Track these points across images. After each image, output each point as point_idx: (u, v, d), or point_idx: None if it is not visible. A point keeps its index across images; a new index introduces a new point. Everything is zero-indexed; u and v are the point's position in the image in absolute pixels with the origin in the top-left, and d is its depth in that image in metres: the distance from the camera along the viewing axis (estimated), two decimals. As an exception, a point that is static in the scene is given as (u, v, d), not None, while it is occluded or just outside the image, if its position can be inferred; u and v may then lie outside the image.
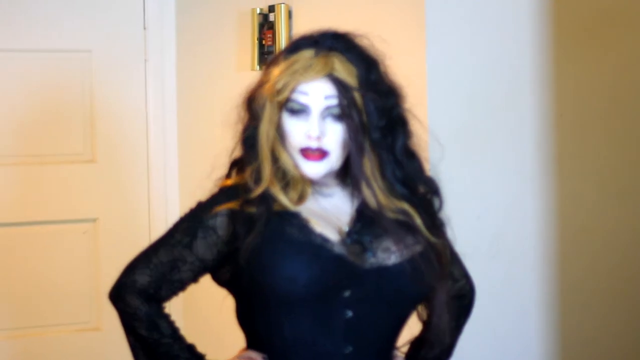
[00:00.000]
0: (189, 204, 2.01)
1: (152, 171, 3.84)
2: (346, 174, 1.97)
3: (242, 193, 1.92)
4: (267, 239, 1.88)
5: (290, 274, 1.85)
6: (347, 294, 1.89)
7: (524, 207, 3.01)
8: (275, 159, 1.92)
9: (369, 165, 1.91)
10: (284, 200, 1.91)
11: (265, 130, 1.92)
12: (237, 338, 2.07)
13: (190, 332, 2.09)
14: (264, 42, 3.42)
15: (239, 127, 1.99)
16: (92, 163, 3.78)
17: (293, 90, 1.89)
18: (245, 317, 1.95)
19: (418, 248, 1.93)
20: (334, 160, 1.91)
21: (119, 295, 1.94)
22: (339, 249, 1.90)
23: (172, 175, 3.85)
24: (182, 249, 1.93)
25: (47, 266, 3.74)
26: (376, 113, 1.90)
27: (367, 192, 1.92)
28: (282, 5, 3.34)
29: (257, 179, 1.92)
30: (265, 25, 3.41)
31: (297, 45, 1.94)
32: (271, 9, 3.39)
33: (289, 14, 3.34)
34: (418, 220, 1.94)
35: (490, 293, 2.84)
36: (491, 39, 2.92)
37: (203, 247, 1.92)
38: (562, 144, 3.04)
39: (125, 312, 1.93)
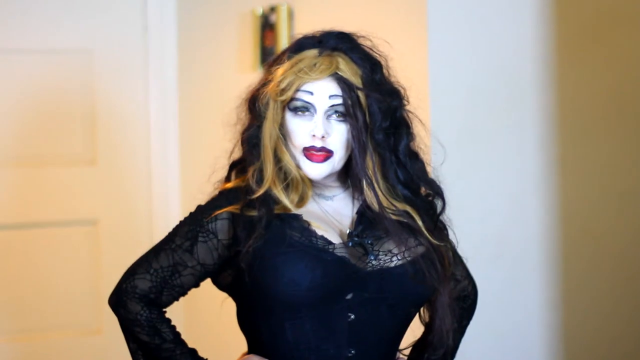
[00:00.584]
0: (190, 205, 2.00)
1: (153, 172, 3.83)
2: (347, 177, 1.97)
3: (243, 196, 1.92)
4: (268, 242, 1.88)
5: (293, 278, 1.85)
6: (349, 296, 1.89)
7: (527, 208, 3.00)
8: (277, 160, 1.92)
9: (371, 165, 1.91)
10: (286, 201, 1.90)
11: (268, 130, 1.92)
12: (238, 342, 2.06)
13: (191, 336, 2.09)
14: (265, 43, 3.41)
15: (239, 128, 1.98)
16: (93, 165, 3.77)
17: (298, 90, 1.89)
18: (247, 321, 1.95)
19: (420, 250, 1.93)
20: (337, 160, 1.91)
21: (119, 301, 1.93)
22: (340, 252, 1.89)
23: (173, 176, 3.84)
24: (183, 253, 1.92)
25: (48, 268, 3.74)
26: (380, 114, 1.90)
27: (368, 193, 1.91)
28: (284, 6, 3.33)
29: (259, 179, 1.91)
30: (267, 26, 3.40)
31: (300, 44, 1.93)
32: (272, 9, 3.38)
33: (290, 15, 3.34)
34: (419, 222, 1.94)
35: (493, 294, 2.83)
36: (493, 41, 2.92)
37: (204, 251, 1.92)
38: (564, 146, 3.03)
39: (126, 318, 1.92)
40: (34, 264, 3.73)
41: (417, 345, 2.07)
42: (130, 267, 1.95)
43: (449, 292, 1.96)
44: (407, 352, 2.06)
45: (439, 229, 1.98)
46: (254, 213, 1.89)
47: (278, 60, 1.94)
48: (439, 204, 2.00)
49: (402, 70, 2.01)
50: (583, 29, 3.06)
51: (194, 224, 1.92)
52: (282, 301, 1.86)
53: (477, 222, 2.90)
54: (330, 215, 1.95)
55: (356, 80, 1.89)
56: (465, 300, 2.10)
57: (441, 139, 2.31)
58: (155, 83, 3.83)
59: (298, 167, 1.91)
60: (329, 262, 1.87)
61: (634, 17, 3.10)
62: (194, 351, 1.94)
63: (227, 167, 2.01)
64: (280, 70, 1.91)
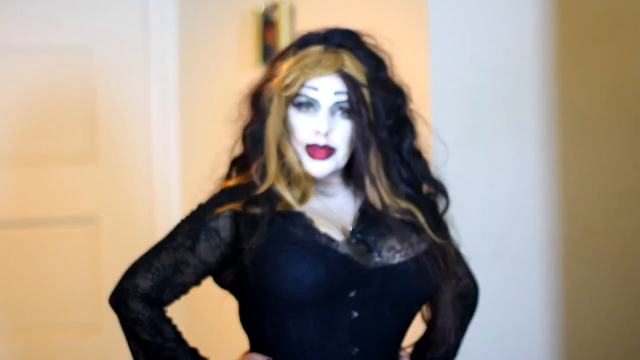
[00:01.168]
0: (192, 203, 2.00)
1: (155, 171, 3.83)
2: (349, 175, 1.96)
3: (245, 194, 1.91)
4: (271, 240, 1.87)
5: (296, 276, 1.85)
6: (352, 294, 1.89)
7: (527, 208, 3.00)
8: (280, 156, 1.91)
9: (374, 163, 1.91)
10: (289, 197, 1.90)
11: (272, 125, 1.92)
12: (239, 341, 2.06)
13: (192, 336, 2.08)
14: (266, 41, 3.41)
15: (240, 125, 1.98)
16: (94, 163, 3.77)
17: (303, 86, 1.89)
18: (249, 319, 1.94)
19: (423, 247, 1.93)
20: (340, 158, 1.91)
21: (120, 300, 1.93)
22: (344, 249, 1.90)
23: (175, 174, 3.84)
24: (185, 251, 1.92)
25: (48, 267, 3.73)
26: (384, 111, 1.91)
27: (371, 191, 1.92)
28: (285, 4, 3.33)
29: (263, 175, 1.91)
30: (268, 24, 3.40)
31: (305, 41, 1.94)
32: (274, 7, 3.38)
33: (292, 13, 3.33)
34: (422, 220, 1.93)
35: (494, 294, 2.83)
36: (494, 40, 2.92)
37: (206, 250, 1.91)
38: (565, 145, 3.03)
39: (128, 318, 1.92)
40: (34, 263, 3.72)
41: (420, 344, 2.07)
42: (131, 266, 1.95)
43: (452, 290, 1.96)
44: (409, 350, 2.06)
45: (442, 227, 1.98)
46: (257, 211, 1.89)
47: (283, 56, 1.95)
48: (442, 202, 2.00)
49: (403, 70, 2.01)
50: (584, 29, 3.07)
51: (196, 223, 1.92)
52: (285, 299, 1.86)
53: (478, 222, 2.90)
54: (333, 212, 1.95)
55: (361, 78, 1.90)
56: (467, 299, 2.11)
57: (442, 138, 2.31)
58: (156, 81, 3.83)
59: (301, 164, 1.91)
60: (333, 260, 1.87)
61: (635, 18, 3.10)
62: (195, 351, 1.94)
63: (228, 164, 2.01)
64: (285, 66, 1.91)
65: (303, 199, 1.93)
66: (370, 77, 1.91)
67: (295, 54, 1.92)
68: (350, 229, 1.94)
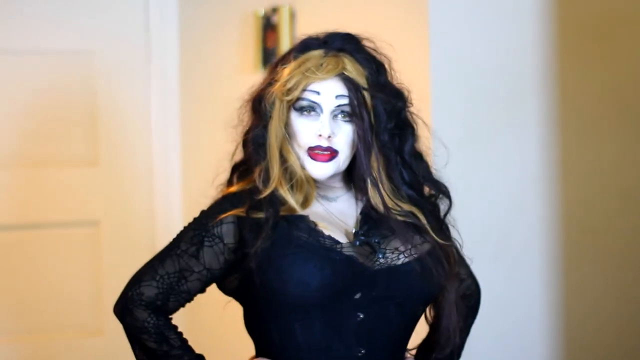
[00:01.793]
0: (192, 206, 2.00)
1: (155, 173, 3.83)
2: (351, 178, 1.97)
3: (247, 199, 1.92)
4: (275, 244, 1.88)
5: (302, 278, 1.85)
6: (358, 296, 1.89)
7: (527, 208, 3.00)
8: (283, 160, 1.92)
9: (376, 166, 1.91)
10: (291, 201, 1.91)
11: (274, 129, 1.92)
12: (244, 347, 2.06)
13: (196, 343, 2.08)
14: (267, 44, 3.41)
15: (241, 130, 1.98)
16: (95, 166, 3.77)
17: (304, 89, 1.90)
18: (255, 324, 1.95)
19: (426, 247, 1.94)
20: (342, 160, 1.92)
21: (125, 308, 1.92)
22: (348, 251, 1.90)
23: (175, 177, 3.84)
24: (189, 258, 1.91)
25: (49, 269, 3.73)
26: (385, 114, 1.91)
27: (373, 194, 1.92)
28: (285, 7, 3.33)
29: (266, 180, 1.92)
30: (268, 27, 3.40)
31: (306, 45, 1.94)
32: (274, 10, 3.38)
33: (292, 16, 3.34)
34: (424, 221, 1.94)
35: (493, 294, 2.83)
36: (494, 41, 2.92)
37: (210, 256, 1.91)
38: (565, 145, 3.04)
39: (133, 326, 1.91)
40: (35, 265, 3.72)
41: (424, 345, 2.07)
42: (135, 275, 1.94)
43: (455, 290, 1.97)
44: (414, 352, 2.06)
45: (444, 228, 1.99)
46: (261, 215, 1.89)
47: (283, 60, 1.95)
48: (444, 204, 2.00)
49: (403, 71, 2.01)
50: (584, 29, 3.07)
51: (199, 229, 1.92)
52: (291, 302, 1.86)
53: (478, 222, 2.90)
54: (335, 216, 1.96)
55: (362, 81, 1.90)
56: (469, 299, 2.11)
57: (442, 139, 2.32)
58: (156, 84, 3.83)
59: (303, 167, 1.92)
60: (337, 262, 1.88)
61: (635, 18, 3.10)
62: (201, 357, 1.94)
63: (229, 170, 2.02)
64: (286, 70, 1.92)
65: (305, 202, 1.93)
66: (370, 80, 1.92)
67: (295, 58, 1.93)
68: (354, 231, 1.94)
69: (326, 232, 1.90)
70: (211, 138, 3.66)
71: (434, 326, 2.04)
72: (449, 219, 2.02)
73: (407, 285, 1.92)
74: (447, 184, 2.02)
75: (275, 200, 1.91)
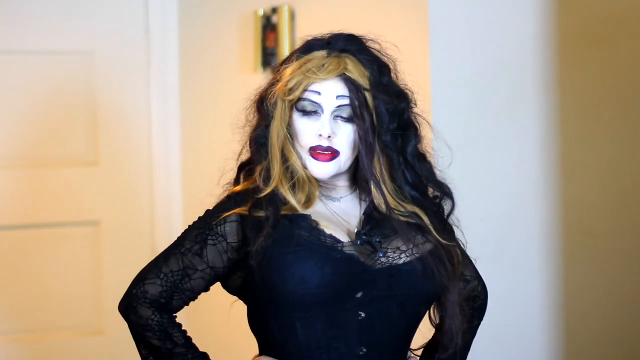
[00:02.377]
0: (193, 206, 2.01)
1: (155, 173, 3.83)
2: (354, 179, 1.98)
3: (251, 198, 1.92)
4: (277, 242, 1.88)
5: (303, 276, 1.86)
6: (359, 295, 1.89)
7: (527, 208, 3.01)
8: (284, 160, 1.93)
9: (378, 167, 1.92)
10: (293, 200, 1.91)
11: (276, 129, 1.93)
12: (248, 346, 2.06)
13: (200, 341, 2.08)
14: (266, 44, 3.41)
15: (247, 130, 1.99)
16: (95, 166, 3.78)
17: (305, 90, 1.91)
18: (258, 322, 1.95)
19: (428, 247, 1.94)
20: (344, 161, 1.92)
21: (129, 306, 1.93)
22: (349, 250, 1.90)
23: (175, 177, 3.84)
24: (193, 256, 1.92)
25: (50, 269, 3.74)
26: (387, 115, 1.92)
27: (376, 195, 1.92)
28: (285, 7, 3.33)
29: (267, 179, 1.92)
30: (268, 27, 3.40)
31: (310, 46, 1.95)
32: (274, 10, 3.38)
33: (292, 16, 3.34)
34: (427, 221, 1.94)
35: (493, 294, 2.83)
36: (494, 42, 2.92)
37: (213, 254, 1.92)
38: (565, 146, 3.04)
39: (137, 324, 1.92)
40: (35, 265, 3.73)
41: (429, 347, 2.07)
42: (140, 273, 1.95)
43: (458, 291, 1.97)
44: (419, 352, 2.06)
45: (447, 229, 1.99)
46: (262, 214, 1.90)
47: (287, 61, 1.96)
48: (448, 205, 2.01)
49: (403, 72, 2.02)
50: (584, 30, 3.07)
51: (203, 228, 1.93)
52: (292, 300, 1.87)
53: (478, 223, 2.91)
54: (338, 215, 1.96)
55: (364, 82, 1.91)
56: (475, 301, 2.11)
57: (444, 141, 2.32)
58: (157, 84, 3.83)
59: (304, 167, 1.93)
60: (339, 261, 1.88)
61: (635, 19, 3.11)
62: (205, 355, 1.94)
63: (235, 169, 2.02)
64: (288, 71, 1.92)
65: (308, 202, 1.94)
66: (373, 81, 1.92)
67: (299, 58, 1.93)
68: (356, 230, 1.95)
69: (328, 232, 1.91)
70: (211, 138, 3.66)
71: (437, 327, 2.04)
72: (453, 220, 2.02)
73: (409, 284, 1.92)
74: (451, 185, 2.02)
75: (276, 199, 1.91)
